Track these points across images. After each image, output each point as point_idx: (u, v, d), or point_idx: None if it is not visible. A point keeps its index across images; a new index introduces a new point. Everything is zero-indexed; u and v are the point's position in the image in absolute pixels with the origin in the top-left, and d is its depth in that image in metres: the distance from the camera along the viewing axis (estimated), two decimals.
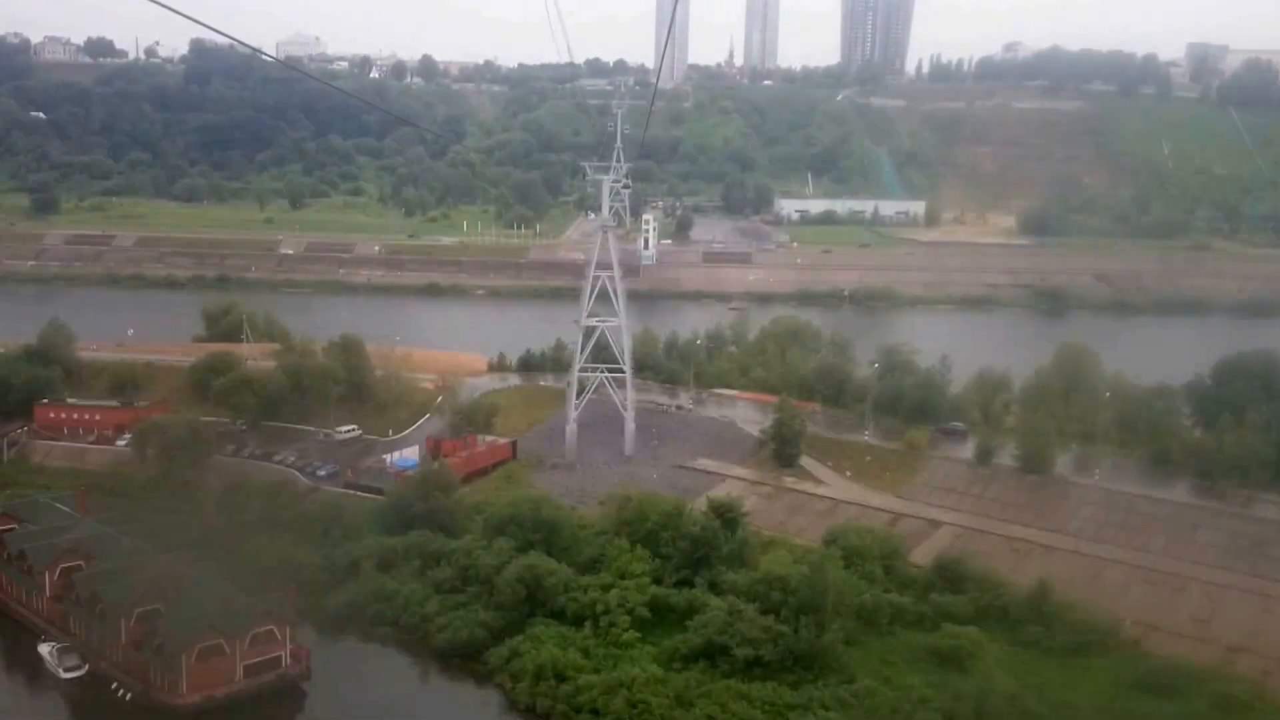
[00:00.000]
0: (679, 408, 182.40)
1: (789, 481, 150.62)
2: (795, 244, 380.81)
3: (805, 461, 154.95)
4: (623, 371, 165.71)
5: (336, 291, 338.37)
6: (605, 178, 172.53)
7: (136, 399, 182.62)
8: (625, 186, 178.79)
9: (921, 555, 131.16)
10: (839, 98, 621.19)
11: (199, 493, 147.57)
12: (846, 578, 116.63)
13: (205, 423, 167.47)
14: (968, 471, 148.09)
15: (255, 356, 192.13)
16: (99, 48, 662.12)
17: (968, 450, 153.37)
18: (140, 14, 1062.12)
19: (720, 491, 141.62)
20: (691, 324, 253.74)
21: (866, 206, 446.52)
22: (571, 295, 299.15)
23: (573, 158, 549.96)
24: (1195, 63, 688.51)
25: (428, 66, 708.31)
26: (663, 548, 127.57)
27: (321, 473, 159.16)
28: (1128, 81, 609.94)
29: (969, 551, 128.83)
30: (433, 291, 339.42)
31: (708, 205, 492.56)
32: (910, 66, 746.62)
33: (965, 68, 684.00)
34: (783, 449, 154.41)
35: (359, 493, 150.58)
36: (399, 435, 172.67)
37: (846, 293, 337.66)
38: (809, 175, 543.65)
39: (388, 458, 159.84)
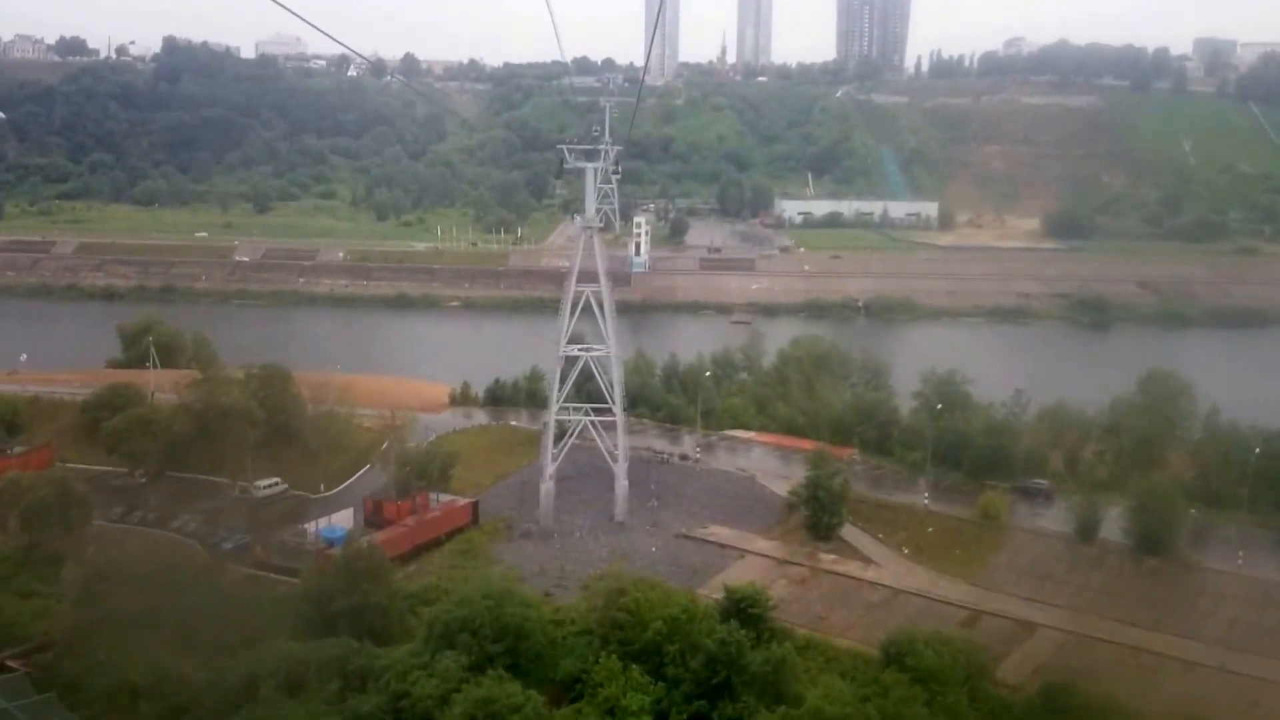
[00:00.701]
0: (683, 457, 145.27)
1: (828, 560, 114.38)
2: (802, 249, 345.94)
3: (848, 532, 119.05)
4: (612, 413, 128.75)
5: (295, 303, 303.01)
6: (590, 164, 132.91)
7: (13, 444, 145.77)
8: (615, 173, 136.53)
9: (1014, 670, 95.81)
10: (838, 94, 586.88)
11: (66, 572, 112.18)
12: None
13: (90, 477, 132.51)
14: (1065, 551, 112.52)
15: (167, 388, 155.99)
16: (70, 46, 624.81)
17: (1058, 518, 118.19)
18: (116, 9, 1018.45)
19: (739, 574, 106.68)
20: (692, 342, 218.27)
21: (874, 208, 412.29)
22: (555, 307, 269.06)
23: (559, 156, 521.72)
24: (1207, 57, 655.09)
25: (409, 65, 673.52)
26: (668, 667, 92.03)
27: (228, 545, 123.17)
28: (1141, 76, 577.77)
29: (1080, 668, 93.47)
30: (401, 303, 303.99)
31: (703, 207, 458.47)
32: (909, 63, 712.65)
33: (968, 63, 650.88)
34: (819, 517, 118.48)
35: (271, 574, 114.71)
36: (332, 491, 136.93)
37: (861, 304, 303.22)
38: (809, 175, 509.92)
39: (311, 525, 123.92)
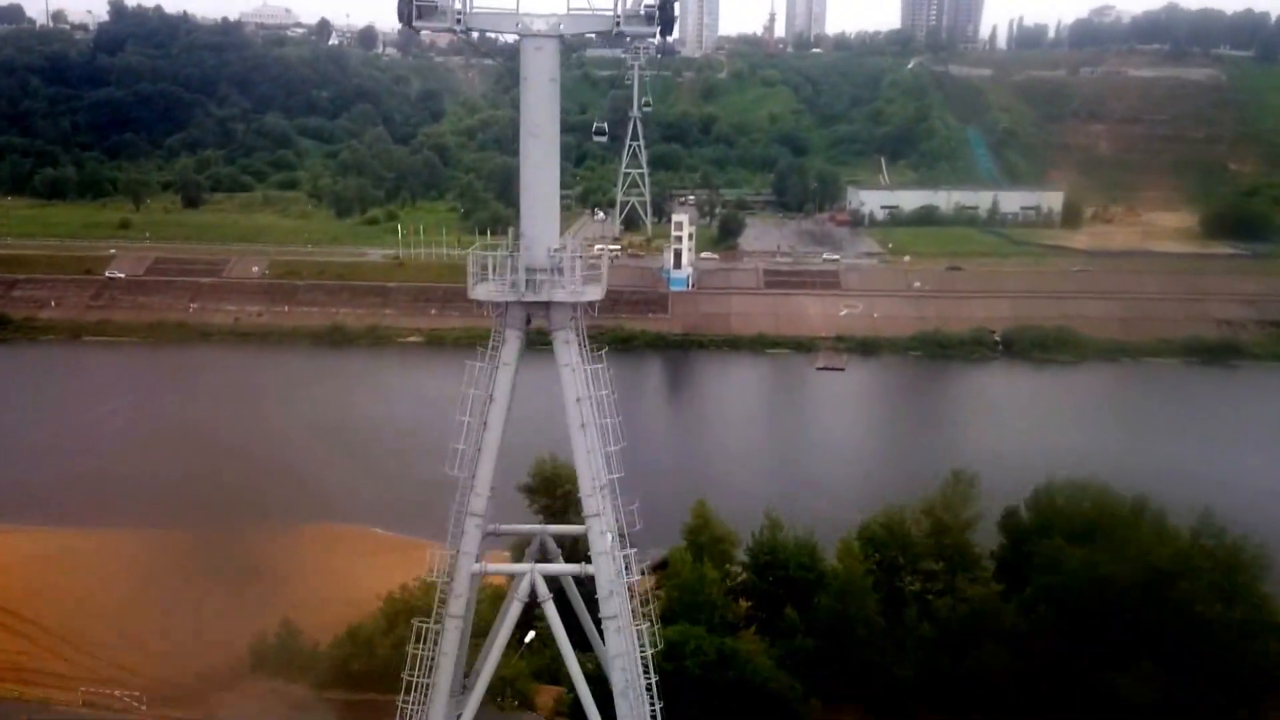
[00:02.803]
0: None
1: None
2: (906, 257, 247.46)
3: None
4: None
5: (179, 339, 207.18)
6: None
7: None
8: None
9: None
10: (909, 66, 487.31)
11: None
12: None
13: None
14: None
15: None
16: (6, 14, 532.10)
17: None
18: None
19: None
20: (766, 408, 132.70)
21: (979, 199, 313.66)
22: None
23: (578, 140, 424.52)
24: None
25: (407, 36, 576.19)
26: None
27: None
28: (1265, 46, 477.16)
29: None
30: (336, 339, 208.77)
31: (755, 199, 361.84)
32: (984, 32, 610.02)
33: (1053, 33, 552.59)
34: None
35: None
36: None
37: (997, 336, 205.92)
38: (882, 160, 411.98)
39: None
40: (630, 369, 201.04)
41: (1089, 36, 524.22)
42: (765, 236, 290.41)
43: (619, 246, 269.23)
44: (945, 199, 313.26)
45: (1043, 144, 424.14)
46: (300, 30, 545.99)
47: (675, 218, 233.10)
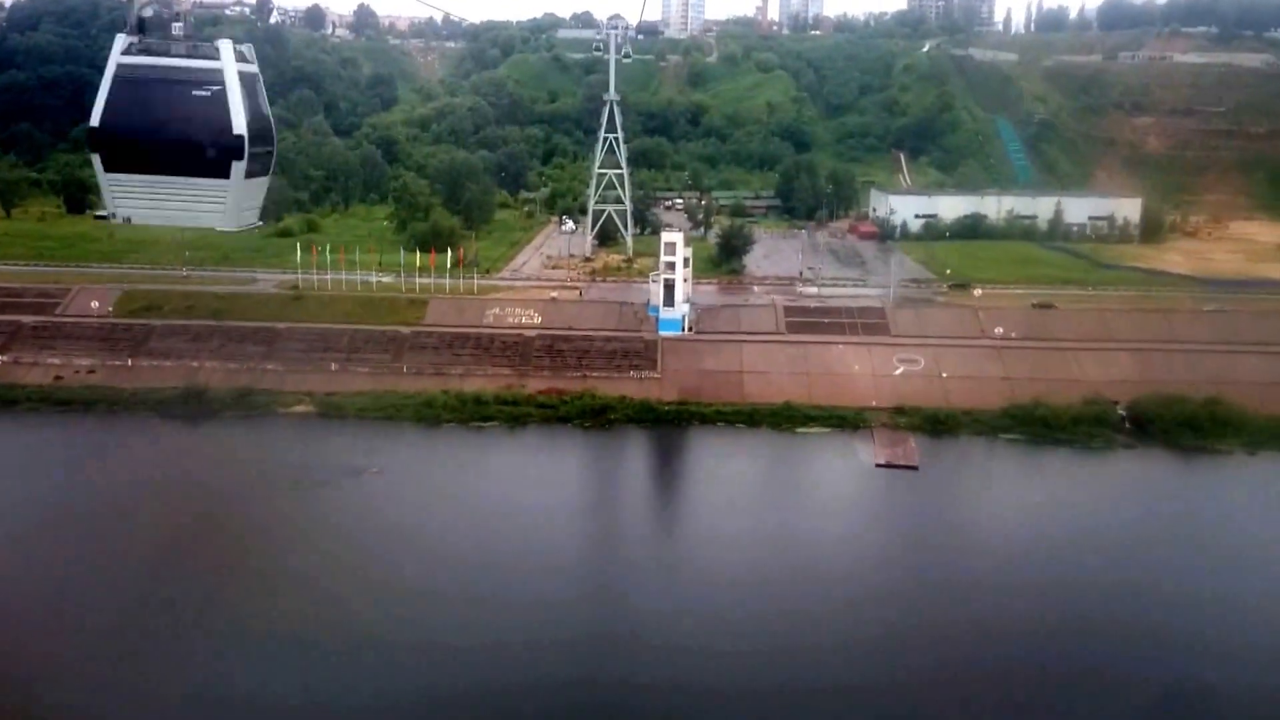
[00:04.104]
0: None
1: None
2: (978, 290, 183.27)
3: None
4: None
5: None
6: None
7: None
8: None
9: None
10: (924, 49, 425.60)
11: None
12: None
13: None
14: None
15: None
16: None
17: None
18: None
19: None
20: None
21: (1038, 207, 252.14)
22: (507, 421, 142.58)
23: (545, 132, 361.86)
24: None
25: (363, 17, 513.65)
26: None
27: None
28: None
29: None
30: (189, 407, 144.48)
31: (755, 204, 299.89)
32: (998, 15, 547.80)
33: (1076, 14, 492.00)
34: None
35: None
36: None
37: (1122, 410, 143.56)
38: (901, 157, 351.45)
39: None
40: (604, 457, 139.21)
41: (1121, 18, 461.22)
42: (776, 254, 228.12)
43: (590, 270, 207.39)
44: (995, 206, 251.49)
45: (1083, 138, 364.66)
46: (239, 9, 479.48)
47: (665, 236, 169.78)
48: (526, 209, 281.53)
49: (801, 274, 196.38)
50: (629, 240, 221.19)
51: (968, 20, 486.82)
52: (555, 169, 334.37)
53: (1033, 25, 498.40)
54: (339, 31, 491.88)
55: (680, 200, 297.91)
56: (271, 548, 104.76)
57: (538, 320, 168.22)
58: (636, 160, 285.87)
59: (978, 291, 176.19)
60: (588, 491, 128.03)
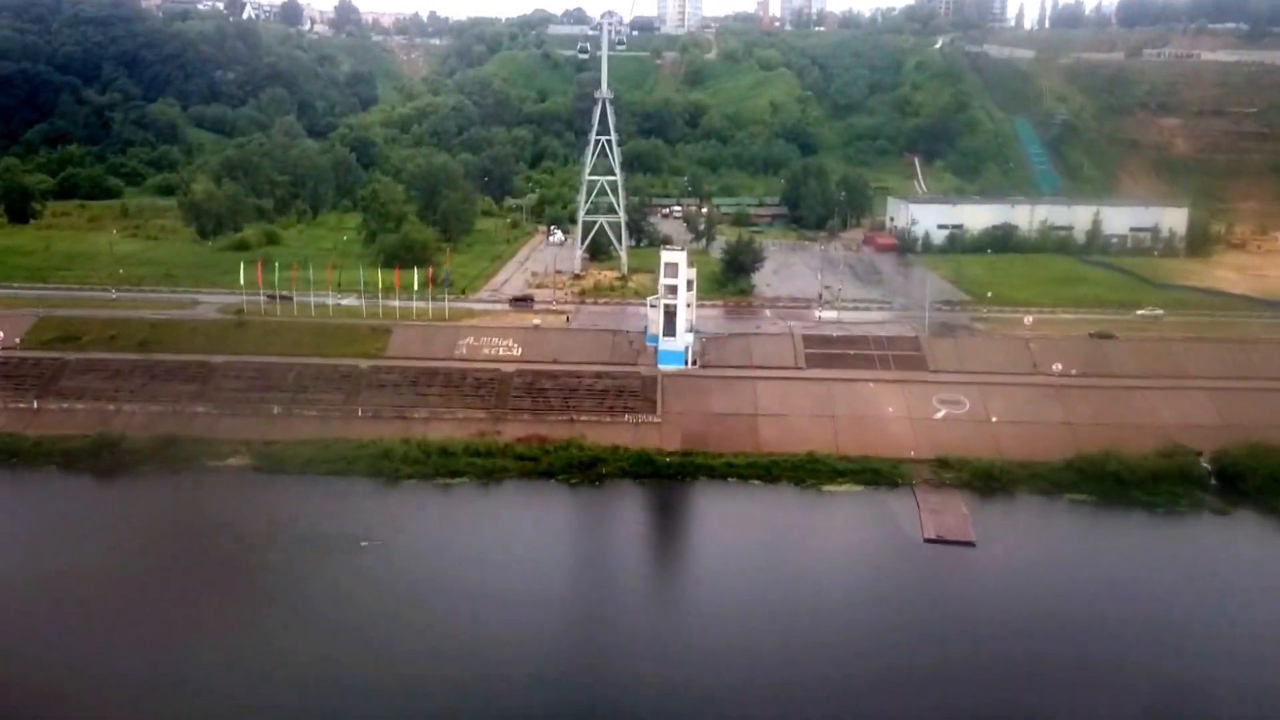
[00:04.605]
0: None
1: None
2: (1028, 317, 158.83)
3: None
4: None
5: None
6: None
7: None
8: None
9: None
10: (937, 45, 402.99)
11: None
12: None
13: None
14: None
15: None
16: None
17: None
18: None
19: None
20: None
21: (1074, 217, 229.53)
22: (479, 476, 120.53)
23: (534, 133, 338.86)
24: None
25: (345, 13, 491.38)
26: None
27: None
28: None
29: None
30: (98, 461, 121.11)
31: (760, 212, 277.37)
32: (1010, 10, 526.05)
33: (1099, 9, 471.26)
34: None
35: None
36: None
37: (1205, 462, 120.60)
38: (916, 161, 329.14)
39: None
40: (592, 524, 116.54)
41: (1142, 14, 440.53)
42: (787, 270, 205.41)
43: (579, 290, 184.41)
44: (1027, 216, 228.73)
45: (1107, 140, 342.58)
46: (211, 4, 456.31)
47: (665, 254, 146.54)
48: (510, 219, 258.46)
49: (821, 296, 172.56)
50: (623, 255, 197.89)
51: (981, 15, 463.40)
52: (544, 173, 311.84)
53: (1047, 21, 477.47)
54: (318, 28, 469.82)
55: (678, 207, 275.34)
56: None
57: (518, 352, 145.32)
58: (631, 164, 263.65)
59: (1029, 319, 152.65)
60: (571, 572, 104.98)
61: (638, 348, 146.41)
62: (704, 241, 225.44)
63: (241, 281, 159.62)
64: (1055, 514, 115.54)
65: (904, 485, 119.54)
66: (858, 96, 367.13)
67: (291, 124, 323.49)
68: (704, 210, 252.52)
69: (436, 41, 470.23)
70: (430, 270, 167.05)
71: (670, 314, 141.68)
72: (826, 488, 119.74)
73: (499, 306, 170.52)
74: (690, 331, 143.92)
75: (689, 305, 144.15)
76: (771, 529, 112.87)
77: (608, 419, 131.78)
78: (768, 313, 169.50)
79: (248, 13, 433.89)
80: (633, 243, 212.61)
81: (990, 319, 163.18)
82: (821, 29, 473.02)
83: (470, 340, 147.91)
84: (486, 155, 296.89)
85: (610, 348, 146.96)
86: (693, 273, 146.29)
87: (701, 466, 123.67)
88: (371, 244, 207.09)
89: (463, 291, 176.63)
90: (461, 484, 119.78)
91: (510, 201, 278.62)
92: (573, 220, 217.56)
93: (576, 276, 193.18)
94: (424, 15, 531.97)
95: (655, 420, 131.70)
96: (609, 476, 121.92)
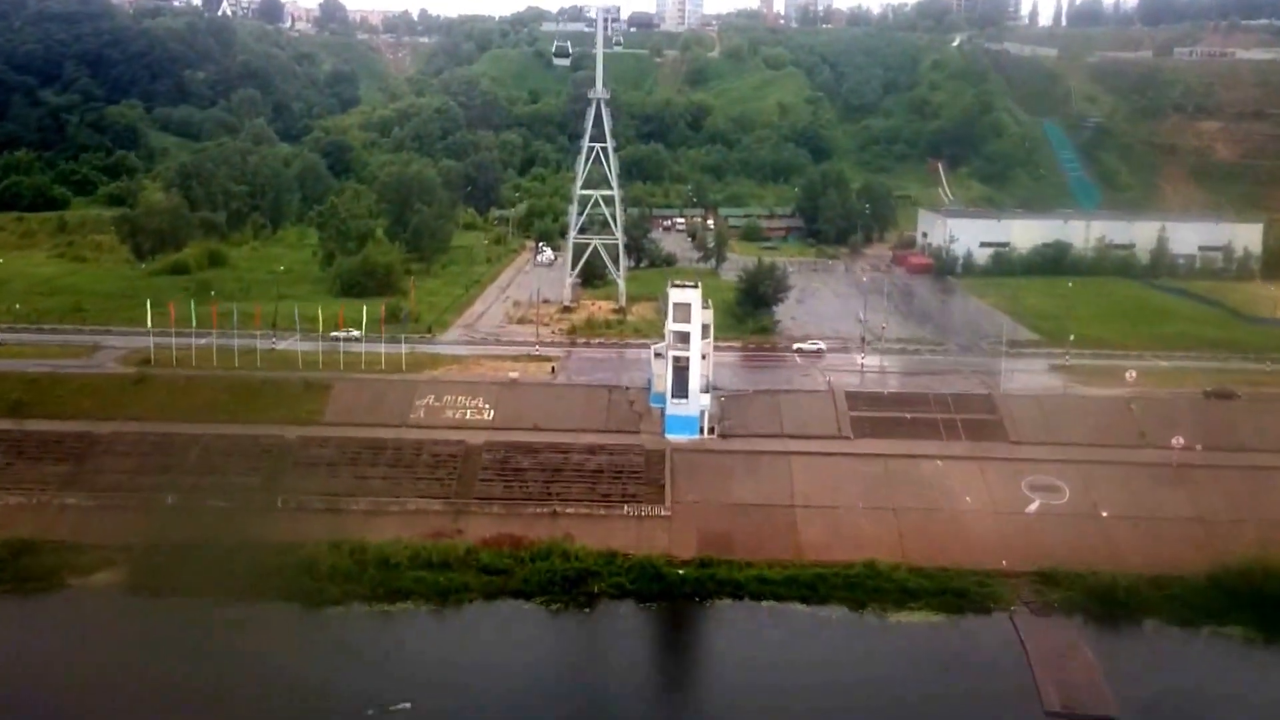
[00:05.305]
0: None
1: None
2: (1130, 372, 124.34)
3: None
4: None
5: None
6: None
7: None
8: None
9: None
10: (955, 43, 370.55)
11: None
12: None
13: None
14: None
15: None
16: None
17: None
18: None
19: None
20: None
21: (1135, 234, 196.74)
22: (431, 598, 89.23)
23: (525, 138, 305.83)
24: None
25: (330, 10, 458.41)
26: None
27: None
28: None
29: None
30: None
31: (772, 225, 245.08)
32: (1024, 8, 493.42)
33: (1119, 7, 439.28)
34: None
35: None
36: None
37: None
38: (940, 167, 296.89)
39: None
40: (583, 657, 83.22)
41: (1166, 11, 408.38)
42: (812, 298, 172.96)
43: (569, 327, 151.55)
44: (1081, 232, 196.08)
45: (1141, 145, 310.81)
46: (187, 1, 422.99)
47: (675, 294, 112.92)
48: (492, 235, 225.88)
49: (864, 338, 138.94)
50: (621, 283, 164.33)
51: (997, 12, 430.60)
52: (534, 181, 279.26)
53: (1064, 19, 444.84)
54: (300, 25, 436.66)
55: (681, 219, 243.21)
56: None
57: (489, 416, 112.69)
58: (629, 170, 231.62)
59: (1131, 374, 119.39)
60: None
61: (640, 409, 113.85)
62: (713, 261, 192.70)
63: (149, 321, 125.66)
64: (1210, 657, 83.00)
65: (998, 610, 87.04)
66: (872, 97, 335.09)
67: (262, 127, 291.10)
68: (711, 223, 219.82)
69: (426, 40, 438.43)
70: (384, 307, 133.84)
71: (681, 369, 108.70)
72: (894, 616, 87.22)
73: (471, 351, 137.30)
74: (706, 391, 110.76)
75: (704, 357, 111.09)
76: (824, 694, 79.41)
77: (601, 511, 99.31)
78: (797, 358, 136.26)
79: (224, 9, 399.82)
80: (632, 264, 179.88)
81: (1076, 367, 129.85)
82: (829, 26, 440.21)
83: (429, 400, 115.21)
84: (471, 161, 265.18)
85: (606, 410, 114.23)
86: (709, 315, 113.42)
87: (725, 582, 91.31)
88: (329, 266, 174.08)
89: (429, 330, 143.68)
90: (407, 609, 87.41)
91: (496, 213, 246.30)
92: (563, 235, 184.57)
93: (566, 309, 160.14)
94: (414, 13, 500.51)
95: (663, 513, 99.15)
96: (602, 596, 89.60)
